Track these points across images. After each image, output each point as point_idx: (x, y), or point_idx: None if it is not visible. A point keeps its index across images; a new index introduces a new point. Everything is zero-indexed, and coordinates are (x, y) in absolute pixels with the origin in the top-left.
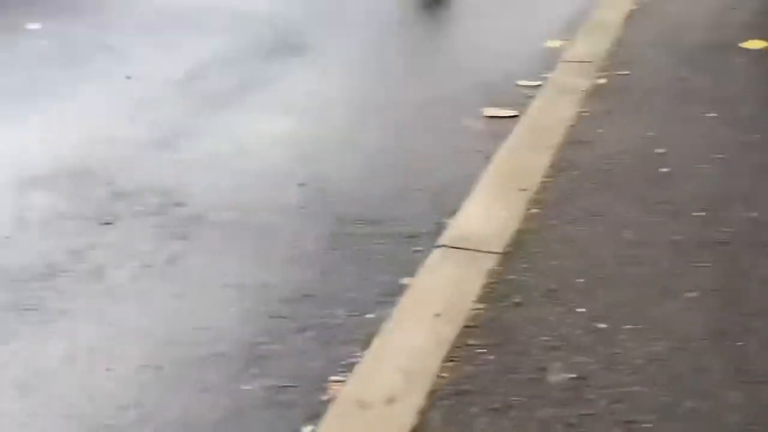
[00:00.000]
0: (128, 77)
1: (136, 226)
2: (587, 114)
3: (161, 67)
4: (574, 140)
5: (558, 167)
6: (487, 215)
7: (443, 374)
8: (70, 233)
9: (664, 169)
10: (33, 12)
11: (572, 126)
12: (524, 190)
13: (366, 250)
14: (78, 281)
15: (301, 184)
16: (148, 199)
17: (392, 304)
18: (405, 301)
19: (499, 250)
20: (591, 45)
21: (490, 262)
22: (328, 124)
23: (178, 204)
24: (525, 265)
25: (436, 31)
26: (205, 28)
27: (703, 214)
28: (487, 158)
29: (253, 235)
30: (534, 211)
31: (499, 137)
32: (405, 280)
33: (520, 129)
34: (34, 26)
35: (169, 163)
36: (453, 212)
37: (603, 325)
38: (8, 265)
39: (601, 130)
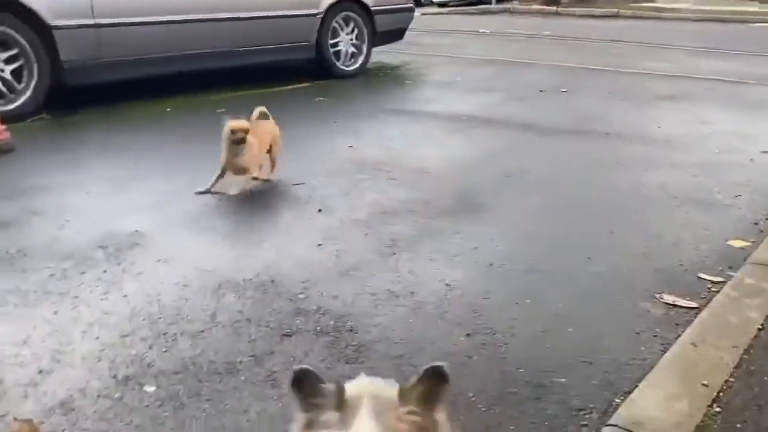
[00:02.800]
0: (319, 210)
1: (311, 342)
2: None
3: (347, 207)
4: (764, 345)
5: (746, 370)
6: (665, 404)
7: None
8: (253, 338)
9: None
10: None
11: (761, 330)
12: (706, 386)
13: (529, 413)
14: (253, 384)
15: (468, 335)
16: (324, 319)
17: None
18: None
19: None
20: None
21: None
22: (495, 281)
23: (350, 330)
24: None
25: (612, 210)
26: (388, 178)
27: None
28: (665, 345)
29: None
30: (717, 409)
31: (679, 326)
32: None
33: (702, 323)
34: None
35: (347, 291)
36: (625, 393)
37: None
38: (195, 357)
39: None
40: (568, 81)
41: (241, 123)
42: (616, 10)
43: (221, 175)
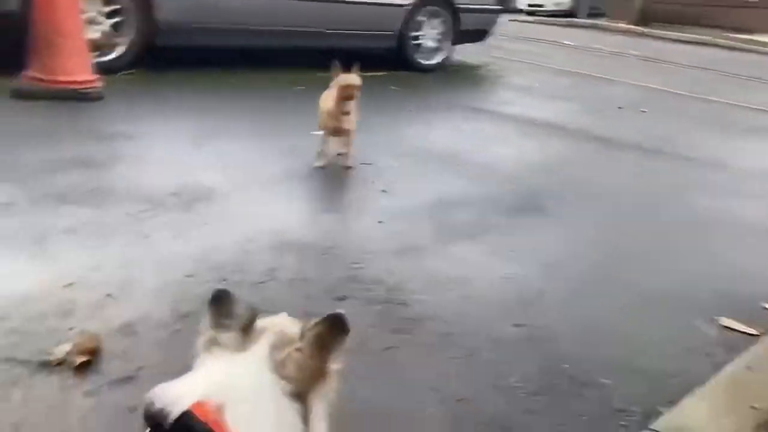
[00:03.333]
0: (384, 191)
1: (363, 309)
2: None
3: (411, 191)
4: None
5: None
6: (710, 418)
7: None
8: (308, 296)
9: None
10: None
11: None
12: (756, 409)
13: (569, 404)
14: None
15: (517, 325)
16: (377, 290)
17: None
18: None
19: None
20: None
21: None
22: (552, 279)
23: (402, 303)
24: None
25: (681, 230)
26: (454, 171)
27: None
28: (716, 365)
29: (461, 353)
30: None
31: (734, 350)
32: None
33: (760, 350)
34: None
35: (402, 268)
36: (670, 403)
37: None
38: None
39: None
40: (650, 101)
41: (353, 78)
42: (709, 37)
43: (326, 138)
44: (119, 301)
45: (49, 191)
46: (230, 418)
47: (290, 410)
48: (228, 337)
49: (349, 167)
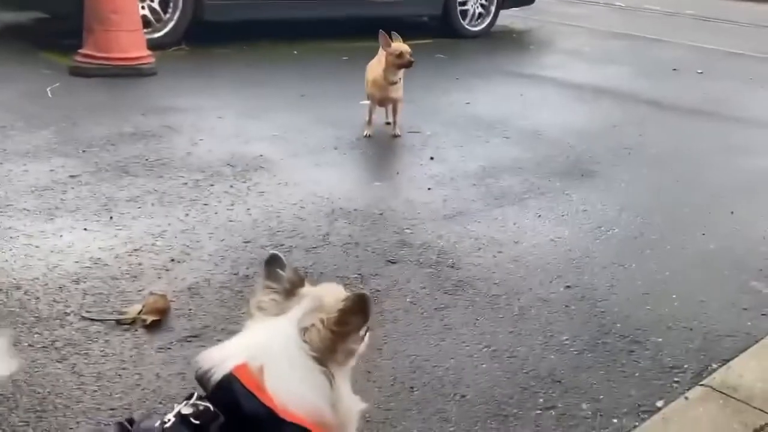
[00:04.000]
0: (432, 158)
1: (413, 271)
2: None
3: (459, 158)
4: None
5: None
6: (764, 375)
7: None
8: (361, 259)
9: None
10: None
11: None
12: None
13: (622, 362)
14: None
15: (568, 287)
16: (427, 253)
17: (641, 419)
18: (655, 419)
19: None
20: None
21: (758, 421)
22: (602, 243)
23: (451, 266)
24: None
25: (736, 193)
26: (502, 136)
27: None
28: None
29: (511, 313)
30: None
31: None
32: (659, 403)
33: None
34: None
35: (451, 232)
36: (723, 361)
37: None
38: (308, 268)
39: None
40: (706, 63)
41: (404, 46)
42: None
43: (372, 107)
44: (183, 265)
45: (112, 163)
46: (269, 379)
47: (317, 372)
48: (270, 300)
49: (396, 135)
